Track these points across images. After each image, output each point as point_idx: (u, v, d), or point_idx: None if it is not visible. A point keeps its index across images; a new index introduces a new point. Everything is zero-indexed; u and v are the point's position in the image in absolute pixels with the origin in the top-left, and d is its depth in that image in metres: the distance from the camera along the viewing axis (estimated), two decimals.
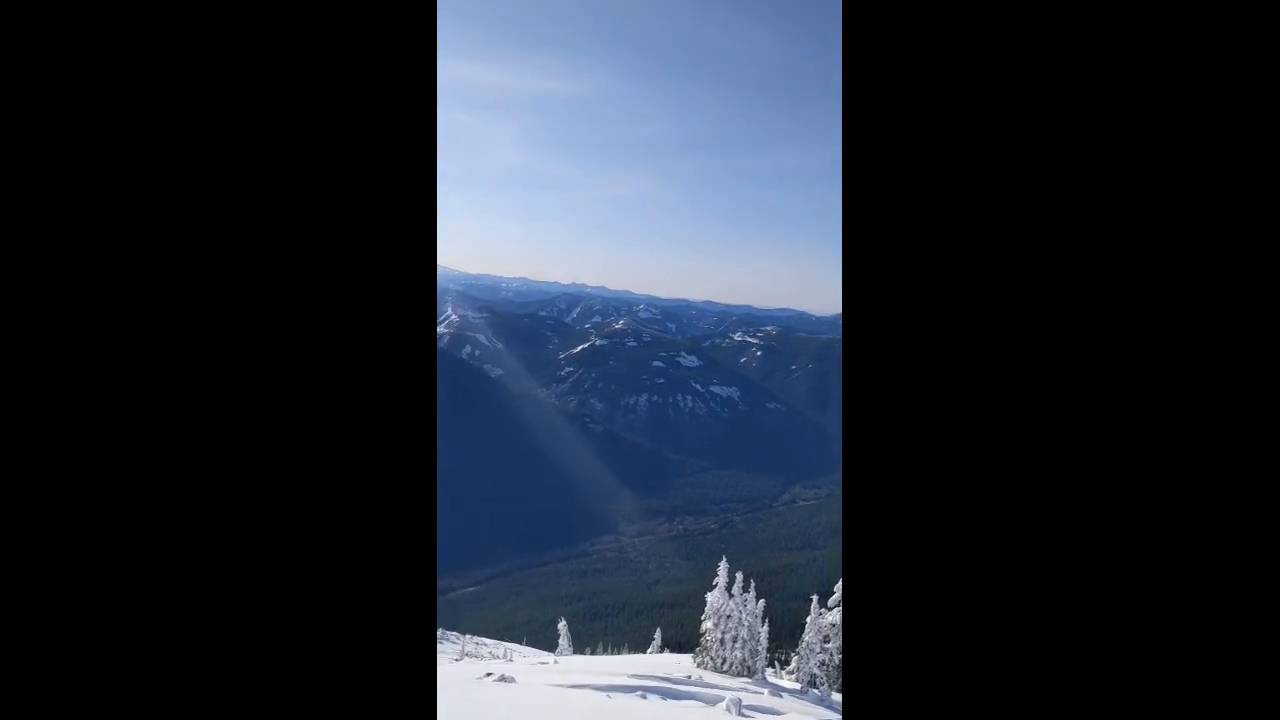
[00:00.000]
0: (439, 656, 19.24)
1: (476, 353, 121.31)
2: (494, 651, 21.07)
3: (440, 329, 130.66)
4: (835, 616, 11.45)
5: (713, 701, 6.97)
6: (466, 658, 17.99)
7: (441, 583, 58.84)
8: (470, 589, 58.33)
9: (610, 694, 6.75)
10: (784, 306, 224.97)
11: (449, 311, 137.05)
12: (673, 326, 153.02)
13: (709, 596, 11.42)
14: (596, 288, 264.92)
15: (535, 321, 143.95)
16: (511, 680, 7.25)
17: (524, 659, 16.13)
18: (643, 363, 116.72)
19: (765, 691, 9.03)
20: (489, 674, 7.81)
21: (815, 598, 11.88)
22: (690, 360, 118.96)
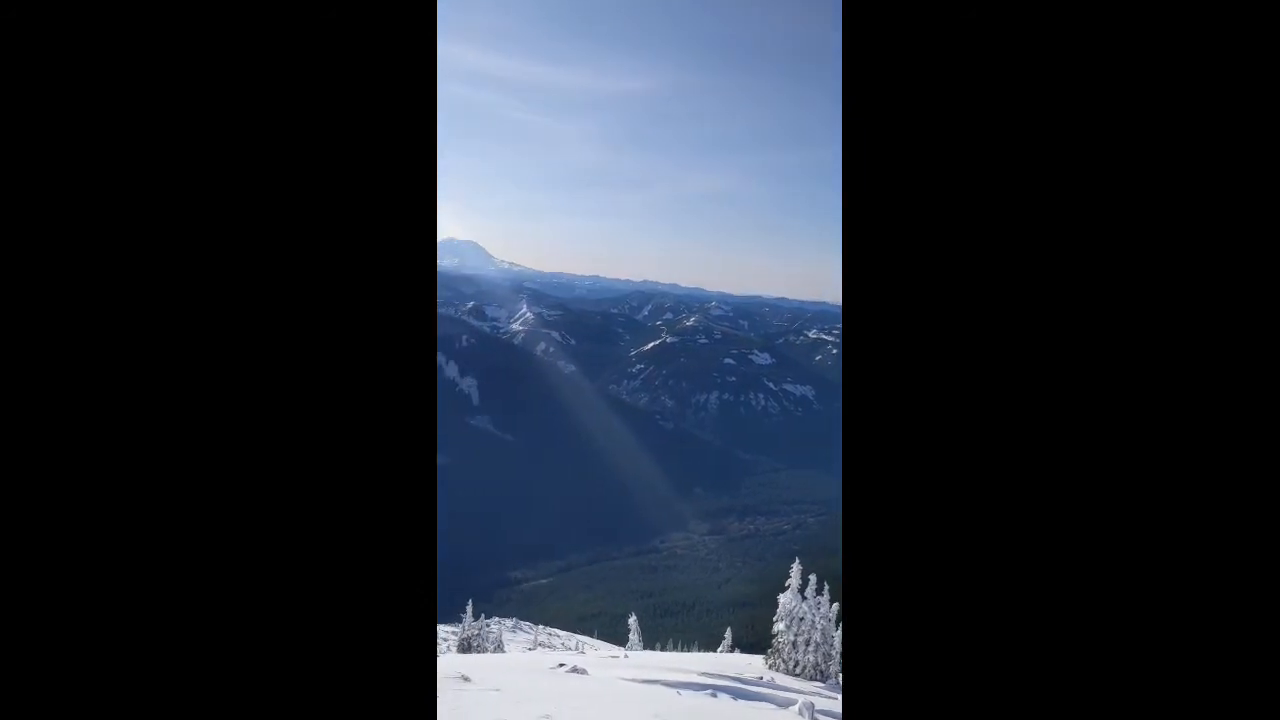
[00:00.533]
0: (513, 645, 19.78)
1: (550, 349, 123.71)
2: (566, 643, 21.45)
3: (515, 326, 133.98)
4: None
5: (785, 704, 6.86)
6: (540, 647, 18.40)
7: (514, 573, 60.41)
8: (543, 580, 59.61)
9: (681, 691, 6.75)
10: None
11: (524, 309, 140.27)
12: (745, 323, 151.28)
13: (781, 598, 11.25)
14: (668, 285, 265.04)
15: (607, 319, 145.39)
16: (584, 672, 7.36)
17: (595, 651, 16.36)
18: (714, 360, 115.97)
19: (839, 697, 8.82)
20: (561, 664, 7.96)
21: None
22: (763, 358, 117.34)
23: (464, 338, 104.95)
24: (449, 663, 8.09)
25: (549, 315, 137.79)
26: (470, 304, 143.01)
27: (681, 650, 20.58)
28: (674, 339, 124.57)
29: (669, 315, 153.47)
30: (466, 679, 6.00)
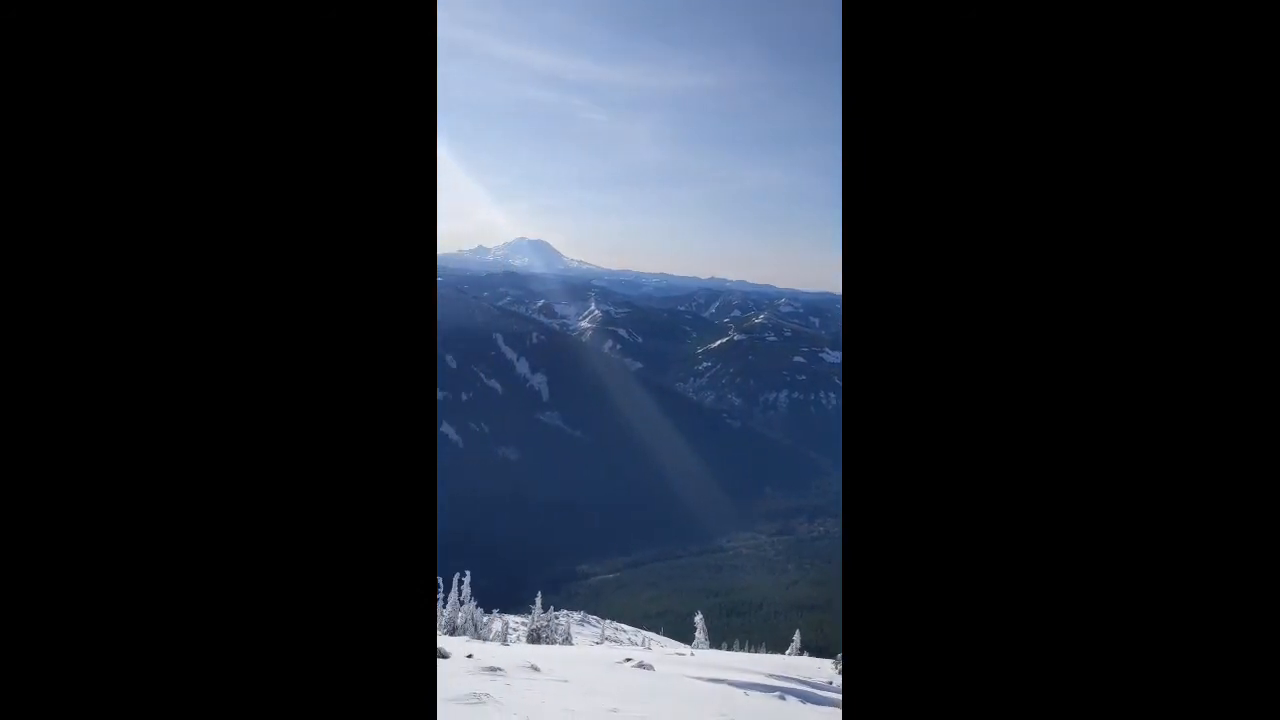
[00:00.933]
0: (580, 638, 20.06)
1: (617, 346, 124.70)
2: (632, 639, 21.58)
3: (584, 324, 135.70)
4: None
5: None
6: (606, 641, 18.59)
7: (582, 567, 61.22)
8: (610, 575, 60.19)
9: (748, 692, 6.68)
10: None
11: (592, 307, 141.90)
12: (816, 321, 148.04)
13: None
14: (736, 281, 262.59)
15: (674, 316, 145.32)
16: (650, 668, 7.38)
17: (661, 648, 16.40)
18: (783, 358, 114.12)
19: None
20: (628, 659, 8.01)
21: None
22: (834, 356, 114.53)
23: (534, 335, 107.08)
24: (519, 652, 8.29)
25: (616, 313, 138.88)
26: (540, 302, 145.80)
27: (748, 651, 20.38)
28: (742, 336, 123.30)
29: (737, 312, 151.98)
30: (536, 669, 6.13)
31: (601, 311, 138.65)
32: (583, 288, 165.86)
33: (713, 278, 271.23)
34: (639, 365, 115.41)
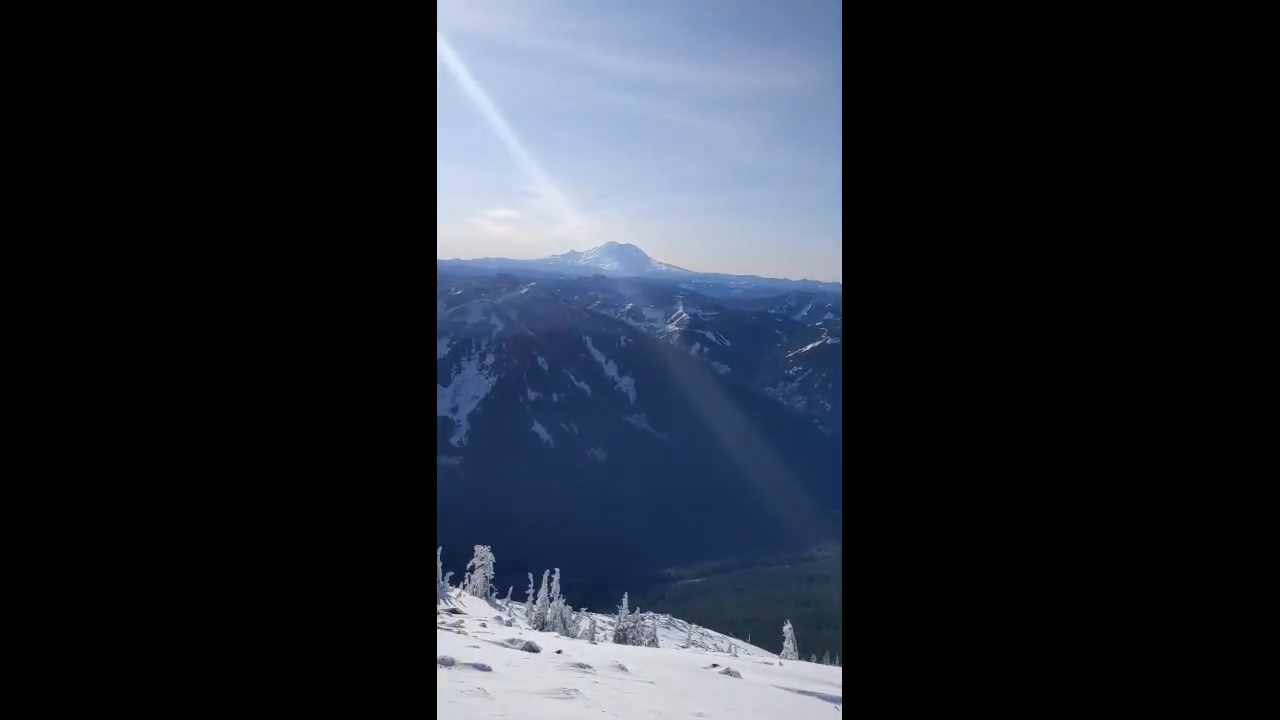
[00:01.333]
0: (666, 641, 20.07)
1: (705, 350, 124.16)
2: (718, 645, 21.38)
3: (671, 326, 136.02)
4: None
5: None
6: (692, 646, 18.52)
7: (668, 570, 61.23)
8: (696, 580, 59.94)
9: (838, 705, 6.46)
10: None
11: (680, 310, 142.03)
12: None
13: None
14: (830, 284, 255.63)
15: (764, 319, 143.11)
16: (737, 675, 7.28)
17: (748, 656, 16.14)
18: None
19: None
20: (714, 665, 7.93)
21: None
22: None
23: (622, 338, 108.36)
24: (606, 650, 8.39)
25: (704, 315, 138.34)
26: (629, 305, 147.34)
27: (839, 664, 19.71)
28: (835, 340, 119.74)
29: (830, 315, 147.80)
30: (623, 668, 6.18)
31: (689, 314, 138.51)
32: (670, 290, 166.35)
33: (805, 280, 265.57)
34: (727, 369, 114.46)
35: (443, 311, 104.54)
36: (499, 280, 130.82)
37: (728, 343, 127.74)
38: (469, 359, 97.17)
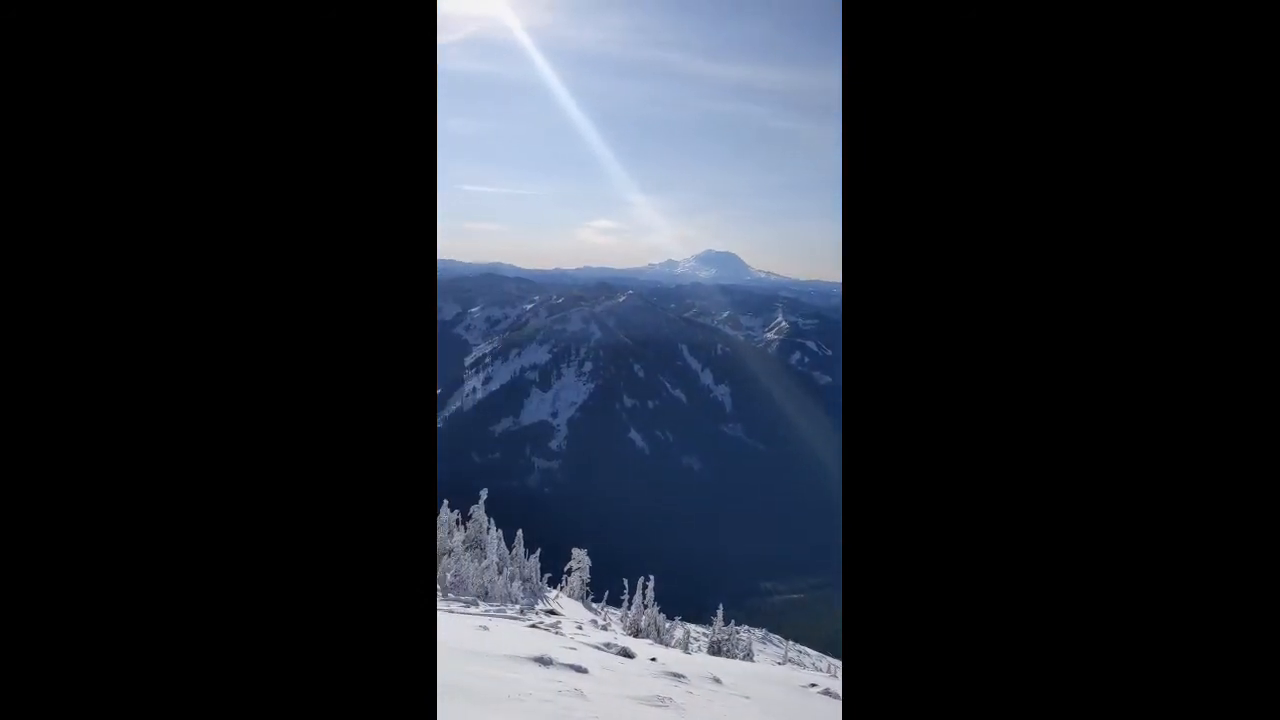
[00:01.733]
0: (762, 656, 19.65)
1: (805, 359, 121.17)
2: (817, 664, 20.71)
3: (770, 335, 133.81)
4: None
5: None
6: (789, 663, 18.04)
7: (766, 584, 60.06)
8: (794, 595, 58.45)
9: None
10: None
11: (779, 318, 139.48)
12: None
13: None
14: None
15: None
16: (837, 698, 7.01)
17: None
18: None
19: None
20: (813, 685, 7.68)
21: None
22: None
23: (719, 346, 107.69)
24: (700, 661, 8.31)
25: (804, 324, 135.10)
26: (726, 313, 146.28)
27: None
28: None
29: None
30: (718, 680, 6.10)
31: (788, 323, 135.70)
32: (769, 298, 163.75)
33: None
34: (828, 379, 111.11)
35: (543, 319, 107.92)
36: (598, 289, 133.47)
37: (829, 352, 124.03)
38: (568, 366, 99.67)
